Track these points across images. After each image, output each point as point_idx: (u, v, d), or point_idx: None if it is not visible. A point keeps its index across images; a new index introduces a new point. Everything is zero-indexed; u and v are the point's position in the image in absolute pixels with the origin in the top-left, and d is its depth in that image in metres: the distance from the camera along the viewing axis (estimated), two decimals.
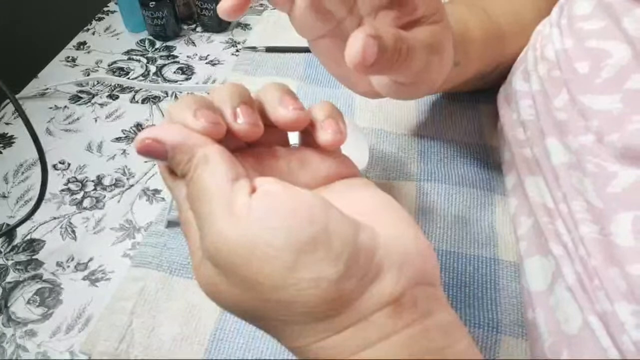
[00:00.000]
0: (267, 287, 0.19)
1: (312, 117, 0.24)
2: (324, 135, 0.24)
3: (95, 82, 0.60)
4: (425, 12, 0.28)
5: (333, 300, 0.19)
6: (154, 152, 0.21)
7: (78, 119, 0.56)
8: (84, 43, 0.67)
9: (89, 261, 0.42)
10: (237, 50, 0.65)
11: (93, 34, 0.69)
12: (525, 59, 0.42)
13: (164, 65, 0.63)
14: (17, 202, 0.47)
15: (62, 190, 0.48)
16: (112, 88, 0.60)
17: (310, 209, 0.19)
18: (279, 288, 0.19)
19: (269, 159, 0.24)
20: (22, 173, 0.49)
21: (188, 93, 0.58)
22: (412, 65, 0.27)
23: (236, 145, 0.24)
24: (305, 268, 0.18)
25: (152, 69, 0.62)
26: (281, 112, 0.23)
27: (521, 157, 0.39)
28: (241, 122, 0.22)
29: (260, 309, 0.20)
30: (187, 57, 0.65)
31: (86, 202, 0.46)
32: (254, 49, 0.61)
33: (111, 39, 0.68)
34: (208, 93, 0.26)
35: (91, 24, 0.71)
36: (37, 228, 0.44)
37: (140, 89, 0.59)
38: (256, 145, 0.25)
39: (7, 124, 0.55)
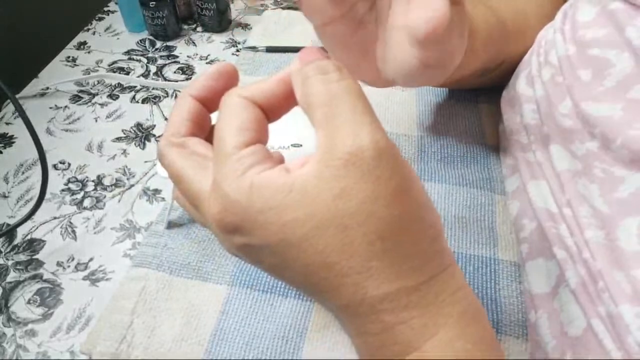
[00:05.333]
0: None
1: None
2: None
3: (96, 82, 0.60)
4: None
5: None
6: None
7: (78, 118, 0.56)
8: (84, 43, 0.67)
9: (89, 261, 0.42)
10: (238, 50, 0.65)
11: (93, 33, 0.69)
12: (529, 63, 0.42)
13: (165, 65, 0.63)
14: (18, 202, 0.47)
15: (63, 190, 0.48)
16: (113, 88, 0.60)
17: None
18: None
19: None
20: (23, 173, 0.49)
21: None
22: (451, 42, 0.27)
23: None
24: None
25: (153, 68, 0.63)
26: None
27: (524, 161, 0.39)
28: None
29: None
30: (188, 57, 0.65)
31: (86, 202, 0.46)
32: (254, 49, 0.61)
33: (111, 38, 0.68)
34: None
35: (91, 24, 0.71)
36: (37, 228, 0.44)
37: (141, 89, 0.59)
38: None
39: (7, 124, 0.55)
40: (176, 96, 0.58)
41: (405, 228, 0.20)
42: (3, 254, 0.42)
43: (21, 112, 0.38)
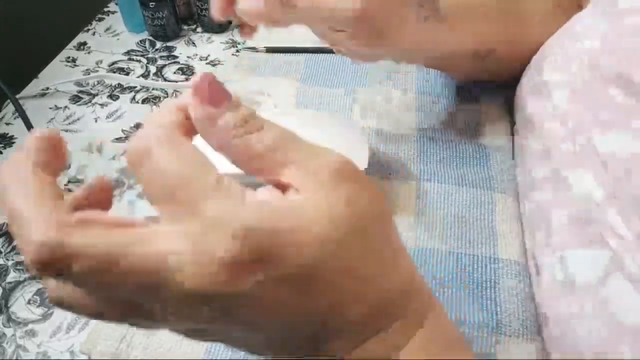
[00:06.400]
0: None
1: None
2: None
3: (96, 82, 0.60)
4: None
5: None
6: None
7: (78, 119, 0.56)
8: (84, 43, 0.67)
9: None
10: (238, 51, 0.65)
11: (93, 34, 0.69)
12: (552, 51, 0.42)
13: (164, 65, 0.63)
14: None
15: (62, 190, 0.48)
16: (113, 88, 0.60)
17: None
18: None
19: None
20: None
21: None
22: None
23: None
24: None
25: (153, 69, 0.63)
26: None
27: (558, 149, 0.38)
28: None
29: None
30: (188, 57, 0.65)
31: None
32: (254, 49, 0.61)
33: (111, 39, 0.68)
34: None
35: (91, 24, 0.71)
36: None
37: (141, 90, 0.59)
38: None
39: (7, 124, 0.55)
40: (176, 97, 0.58)
41: (393, 225, 0.23)
42: (3, 254, 0.42)
43: (21, 112, 0.38)
